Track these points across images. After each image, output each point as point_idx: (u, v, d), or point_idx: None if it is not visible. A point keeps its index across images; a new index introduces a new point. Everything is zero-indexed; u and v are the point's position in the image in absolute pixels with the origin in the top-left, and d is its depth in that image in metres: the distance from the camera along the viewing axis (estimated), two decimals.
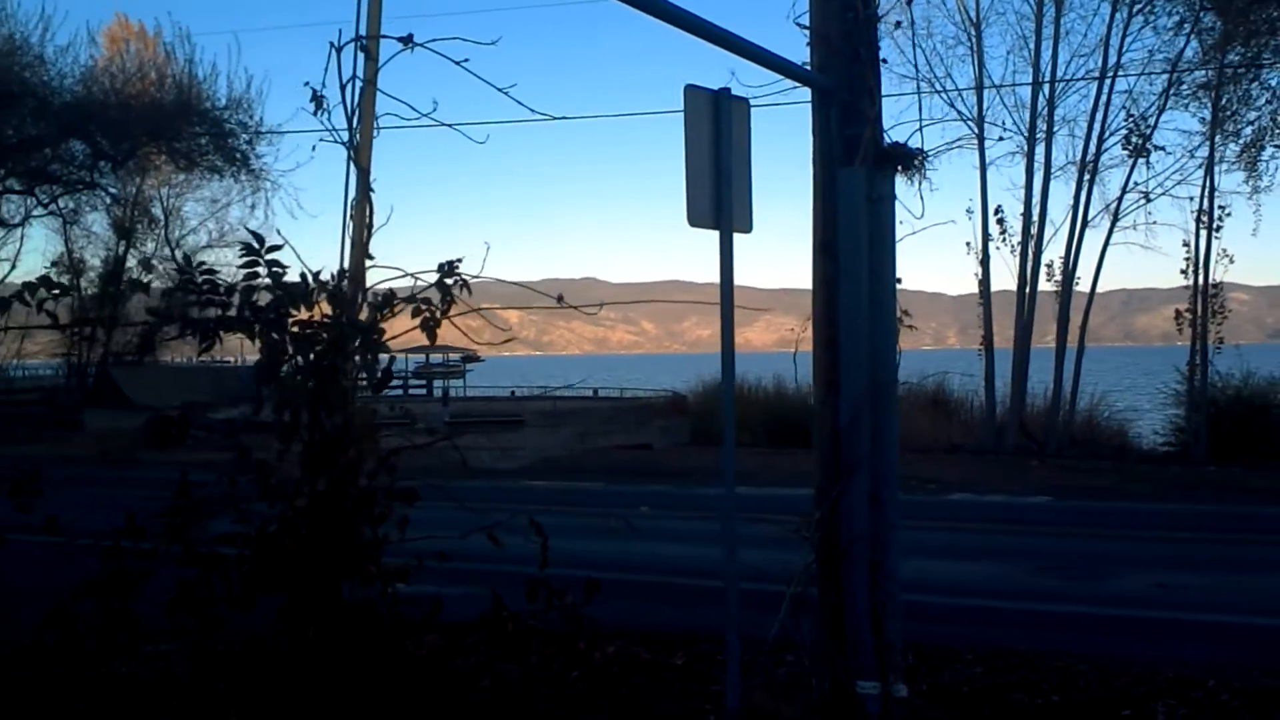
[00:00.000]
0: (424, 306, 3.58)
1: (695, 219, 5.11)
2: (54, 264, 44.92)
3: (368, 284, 3.67)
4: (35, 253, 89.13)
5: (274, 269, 3.44)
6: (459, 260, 3.56)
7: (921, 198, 5.43)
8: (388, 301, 3.57)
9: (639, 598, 8.37)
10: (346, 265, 3.65)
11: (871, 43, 5.47)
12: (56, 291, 3.35)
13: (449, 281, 3.57)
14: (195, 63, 28.87)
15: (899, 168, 5.37)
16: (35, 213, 34.27)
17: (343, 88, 3.88)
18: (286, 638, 3.21)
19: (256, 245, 3.40)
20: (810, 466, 5.44)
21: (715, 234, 4.87)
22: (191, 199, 42.82)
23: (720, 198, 5.16)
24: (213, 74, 29.21)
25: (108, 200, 34.91)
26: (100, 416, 33.93)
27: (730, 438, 5.60)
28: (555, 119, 5.12)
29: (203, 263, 3.37)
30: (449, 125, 4.16)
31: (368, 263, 3.72)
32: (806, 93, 5.33)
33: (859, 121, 5.12)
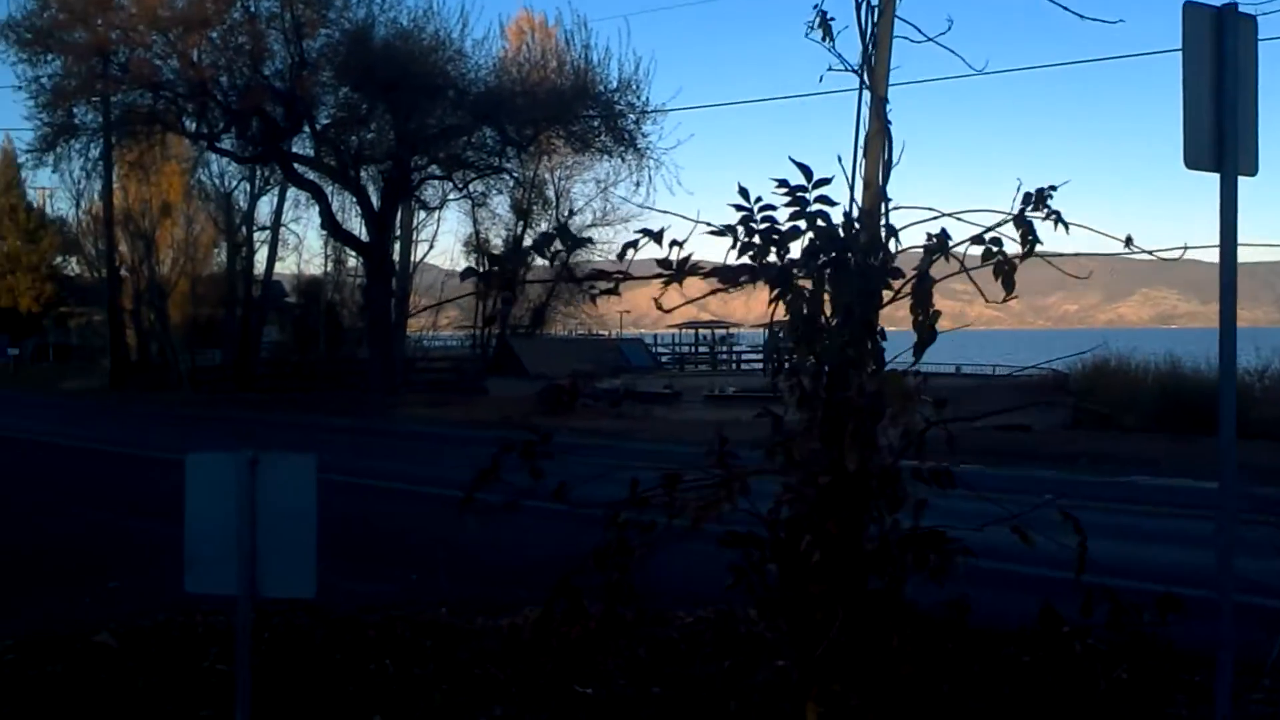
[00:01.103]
0: (995, 249, 3.04)
1: (1193, 160, 4.42)
2: (465, 244, 49.28)
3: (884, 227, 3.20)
4: (448, 234, 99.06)
5: (820, 209, 3.03)
6: (1050, 190, 2.98)
7: None
8: (943, 245, 3.07)
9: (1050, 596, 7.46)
10: (858, 208, 3.21)
11: None
12: (569, 244, 3.19)
13: (1037, 216, 2.99)
14: (590, 48, 30.28)
15: None
16: (451, 196, 37.62)
17: (858, 6, 3.45)
18: (856, 641, 2.81)
19: (805, 180, 3.00)
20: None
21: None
22: (579, 180, 45.34)
23: (1223, 135, 4.43)
24: (606, 58, 30.46)
25: (510, 183, 37.66)
26: (501, 383, 36.64)
27: (1230, 426, 4.67)
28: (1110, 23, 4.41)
29: (759, 199, 3.02)
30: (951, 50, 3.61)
31: (890, 203, 3.24)
32: None
33: None
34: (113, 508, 11.84)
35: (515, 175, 35.10)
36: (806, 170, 3.03)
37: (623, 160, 31.08)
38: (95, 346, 58.67)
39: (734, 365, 54.24)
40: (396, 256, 37.26)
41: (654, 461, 4.55)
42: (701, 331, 65.02)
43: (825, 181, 3.05)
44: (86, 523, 11.01)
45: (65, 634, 6.59)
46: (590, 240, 3.33)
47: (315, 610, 7.02)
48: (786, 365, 3.20)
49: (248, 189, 42.96)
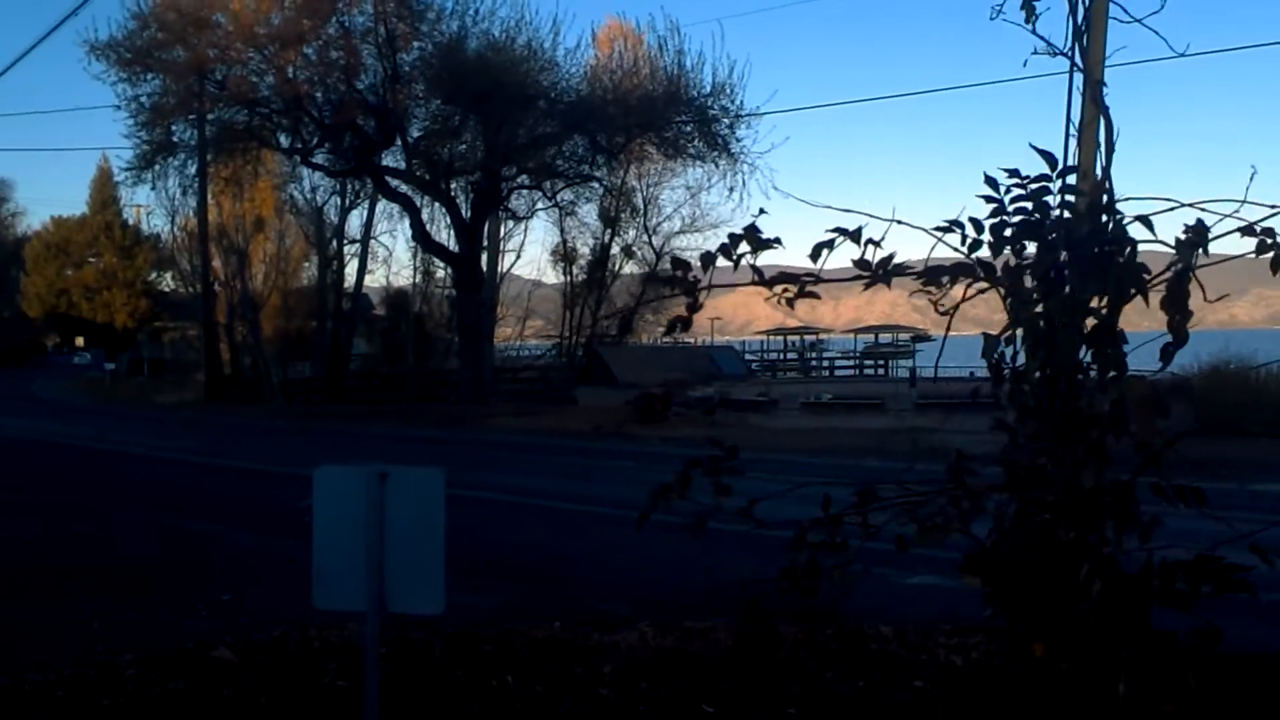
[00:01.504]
0: (1270, 239, 2.66)
1: None
2: (552, 253, 49.49)
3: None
4: (534, 244, 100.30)
5: (1068, 199, 2.67)
6: None
7: None
8: (1201, 236, 2.69)
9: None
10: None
11: None
12: (754, 247, 2.89)
13: None
14: (683, 54, 29.92)
15: None
16: (539, 206, 37.70)
17: None
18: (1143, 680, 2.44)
19: (1050, 169, 2.64)
20: None
21: None
22: (668, 187, 45.15)
23: None
24: (699, 63, 30.04)
25: (599, 191, 37.63)
26: (590, 393, 36.46)
27: None
28: None
29: (1009, 189, 2.66)
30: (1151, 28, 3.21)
31: (1113, 194, 2.85)
32: None
33: None
34: (220, 520, 11.85)
35: (604, 183, 34.99)
36: (1050, 158, 2.67)
37: (715, 165, 30.65)
38: (187, 360, 60.24)
39: (827, 372, 53.61)
40: (484, 266, 37.44)
41: (759, 471, 4.26)
42: (790, 338, 64.39)
43: (1070, 170, 2.68)
44: (194, 535, 11.01)
45: (184, 648, 6.47)
46: (778, 241, 3.05)
47: (428, 624, 6.85)
48: (1007, 372, 2.83)
49: (338, 203, 43.71)
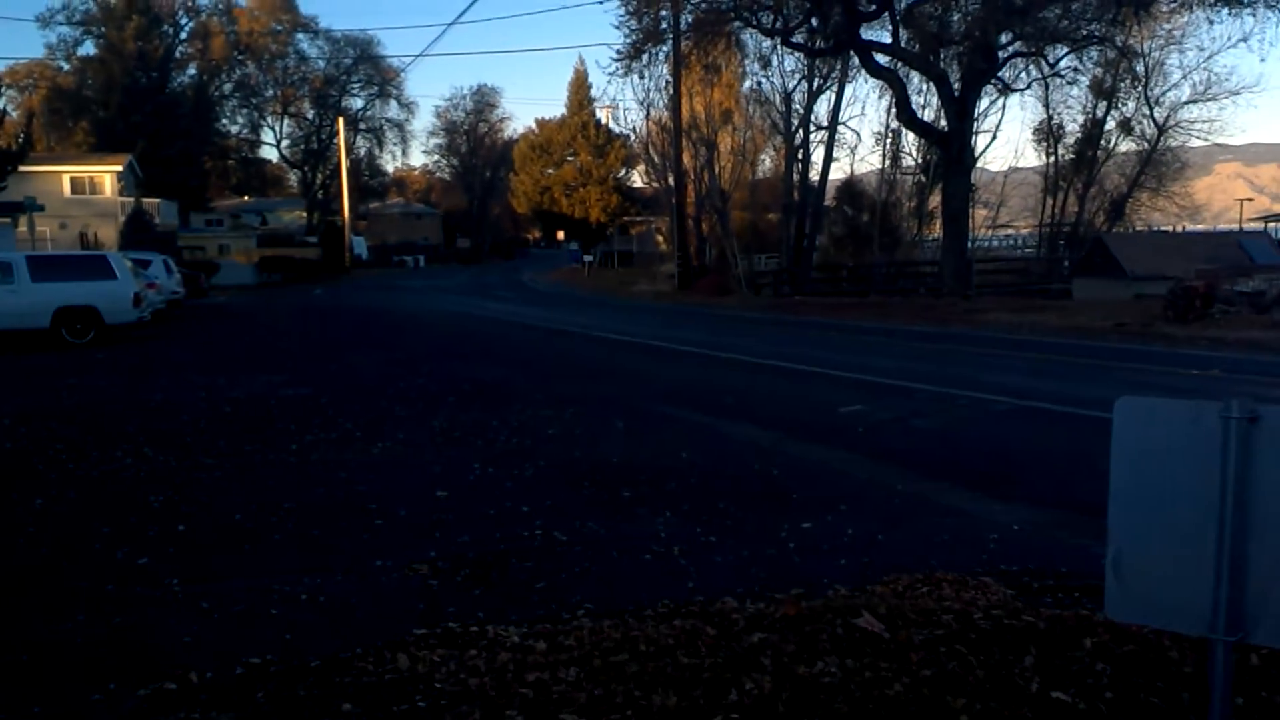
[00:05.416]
0: None
1: None
2: (1034, 130, 44.84)
3: None
4: (1014, 122, 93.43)
5: None
6: None
7: None
8: None
9: None
10: None
11: None
12: None
13: None
14: None
15: None
16: (1034, 76, 33.68)
17: None
18: None
19: None
20: None
21: None
22: (1176, 50, 38.58)
23: None
24: None
25: (1096, 59, 32.93)
26: (1088, 285, 32.82)
27: None
28: None
29: None
30: None
31: None
32: None
33: None
34: (755, 423, 10.75)
35: (1119, 45, 30.27)
36: None
37: (1253, 14, 24.84)
38: (651, 253, 62.64)
39: None
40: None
41: None
42: None
43: None
44: (732, 440, 10.04)
45: (808, 603, 5.09)
46: None
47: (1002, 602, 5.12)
48: None
49: (804, 89, 42.13)
